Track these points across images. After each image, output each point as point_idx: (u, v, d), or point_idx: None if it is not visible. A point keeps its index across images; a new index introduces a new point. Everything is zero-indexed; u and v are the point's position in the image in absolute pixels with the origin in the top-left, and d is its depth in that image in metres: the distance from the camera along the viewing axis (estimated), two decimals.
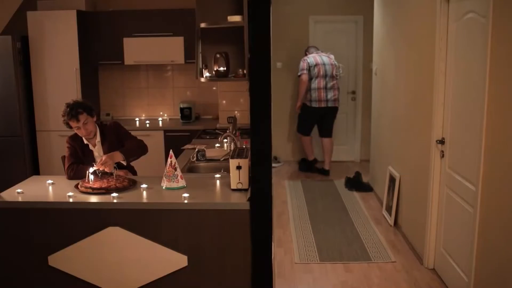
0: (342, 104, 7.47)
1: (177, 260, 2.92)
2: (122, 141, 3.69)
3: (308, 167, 7.08)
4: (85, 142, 3.62)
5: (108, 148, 3.61)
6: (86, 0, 5.82)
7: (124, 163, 3.54)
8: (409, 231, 4.60)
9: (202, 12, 3.27)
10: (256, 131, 2.73)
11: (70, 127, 3.54)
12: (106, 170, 3.29)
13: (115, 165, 3.31)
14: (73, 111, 3.47)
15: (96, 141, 3.64)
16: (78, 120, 3.47)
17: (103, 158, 3.35)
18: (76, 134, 3.64)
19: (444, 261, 3.80)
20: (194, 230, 2.91)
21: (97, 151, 3.64)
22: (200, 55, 3.31)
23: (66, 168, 3.49)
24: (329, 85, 6.61)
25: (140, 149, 3.65)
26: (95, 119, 3.61)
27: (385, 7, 5.66)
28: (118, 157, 3.43)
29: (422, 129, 4.15)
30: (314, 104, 6.66)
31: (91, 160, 3.55)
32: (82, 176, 3.31)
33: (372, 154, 6.36)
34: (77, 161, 3.51)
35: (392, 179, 5.11)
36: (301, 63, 6.68)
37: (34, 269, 3.00)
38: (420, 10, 4.29)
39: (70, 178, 3.42)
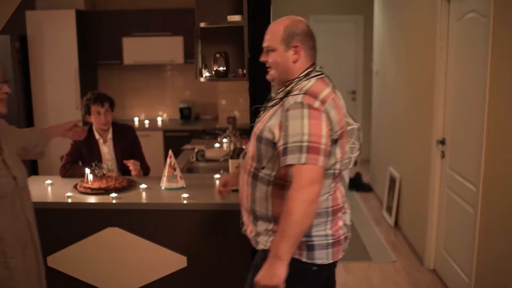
0: None
1: (176, 261, 2.90)
2: (134, 149, 3.65)
3: None
4: (97, 136, 3.59)
5: (121, 150, 3.58)
6: None
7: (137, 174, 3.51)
8: (409, 232, 4.58)
9: (202, 12, 3.24)
10: None
11: (89, 113, 3.55)
12: (133, 172, 3.37)
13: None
14: (100, 96, 3.56)
15: (108, 137, 3.63)
16: (102, 106, 3.53)
17: (134, 162, 3.41)
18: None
19: (444, 262, 3.79)
20: (193, 231, 2.89)
21: (108, 147, 3.62)
22: (200, 55, 3.29)
23: (60, 165, 3.48)
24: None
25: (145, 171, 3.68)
26: (112, 115, 3.65)
27: (386, 7, 5.65)
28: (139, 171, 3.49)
29: (423, 130, 4.13)
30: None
31: (97, 156, 3.53)
32: (75, 175, 3.32)
33: (372, 155, 6.35)
34: (73, 160, 3.50)
35: (392, 180, 5.10)
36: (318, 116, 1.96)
37: None
38: (421, 10, 4.28)
39: (62, 176, 3.42)
